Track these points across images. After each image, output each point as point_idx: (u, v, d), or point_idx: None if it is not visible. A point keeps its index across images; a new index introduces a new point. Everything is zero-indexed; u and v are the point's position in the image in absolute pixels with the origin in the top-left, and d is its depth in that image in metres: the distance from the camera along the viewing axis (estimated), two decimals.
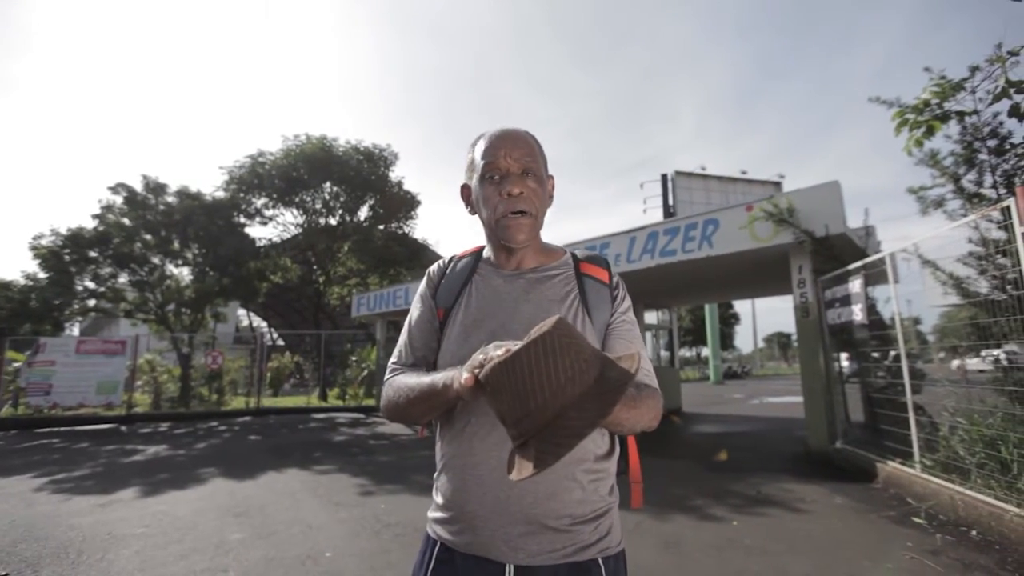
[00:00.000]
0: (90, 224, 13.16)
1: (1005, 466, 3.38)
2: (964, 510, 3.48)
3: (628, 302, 1.02)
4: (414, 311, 1.06)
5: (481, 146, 0.97)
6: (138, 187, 13.61)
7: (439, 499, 0.95)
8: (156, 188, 13.78)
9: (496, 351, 0.70)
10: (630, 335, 0.98)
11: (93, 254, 13.05)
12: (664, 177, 21.16)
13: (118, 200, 13.37)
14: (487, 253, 1.06)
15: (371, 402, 13.99)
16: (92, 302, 13.66)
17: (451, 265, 1.07)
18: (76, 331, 18.30)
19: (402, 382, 0.94)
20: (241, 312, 34.24)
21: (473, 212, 1.03)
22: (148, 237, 13.46)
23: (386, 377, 1.02)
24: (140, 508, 4.30)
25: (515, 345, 0.67)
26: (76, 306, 13.39)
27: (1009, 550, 3.00)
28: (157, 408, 12.31)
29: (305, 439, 8.39)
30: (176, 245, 14.00)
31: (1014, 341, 3.61)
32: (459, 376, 0.76)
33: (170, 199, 13.90)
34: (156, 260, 13.96)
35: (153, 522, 3.89)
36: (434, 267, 1.09)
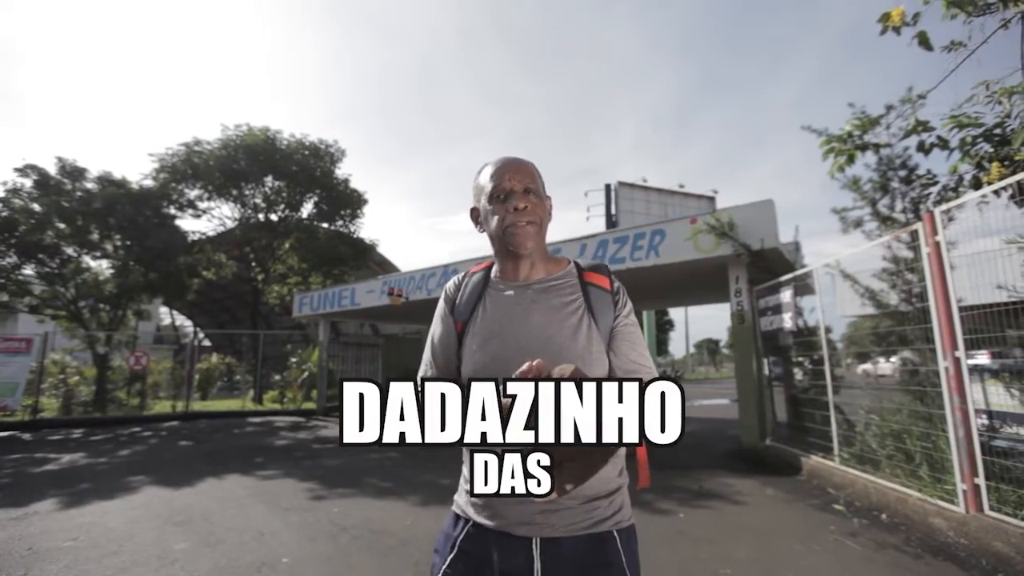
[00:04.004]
0: None
1: (909, 456, 3.84)
2: (876, 496, 3.93)
3: (630, 306, 1.13)
4: (436, 328, 1.16)
5: (488, 172, 1.08)
6: (52, 170, 12.35)
7: (468, 486, 1.04)
8: (73, 172, 12.53)
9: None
10: (632, 337, 1.09)
11: None
12: (608, 187, 21.92)
13: (27, 183, 12.03)
14: (496, 267, 1.15)
15: (311, 406, 13.45)
16: None
17: (466, 281, 1.17)
18: None
19: None
20: (163, 310, 31.81)
21: (483, 230, 1.12)
22: (62, 226, 12.21)
23: None
24: (63, 520, 3.94)
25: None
26: None
27: (913, 530, 3.42)
28: (68, 413, 11.20)
29: (243, 444, 7.97)
30: (95, 236, 12.80)
31: (912, 349, 4.12)
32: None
33: (89, 185, 12.70)
34: (71, 251, 12.71)
35: (81, 534, 3.59)
36: (450, 284, 1.19)
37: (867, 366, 5.60)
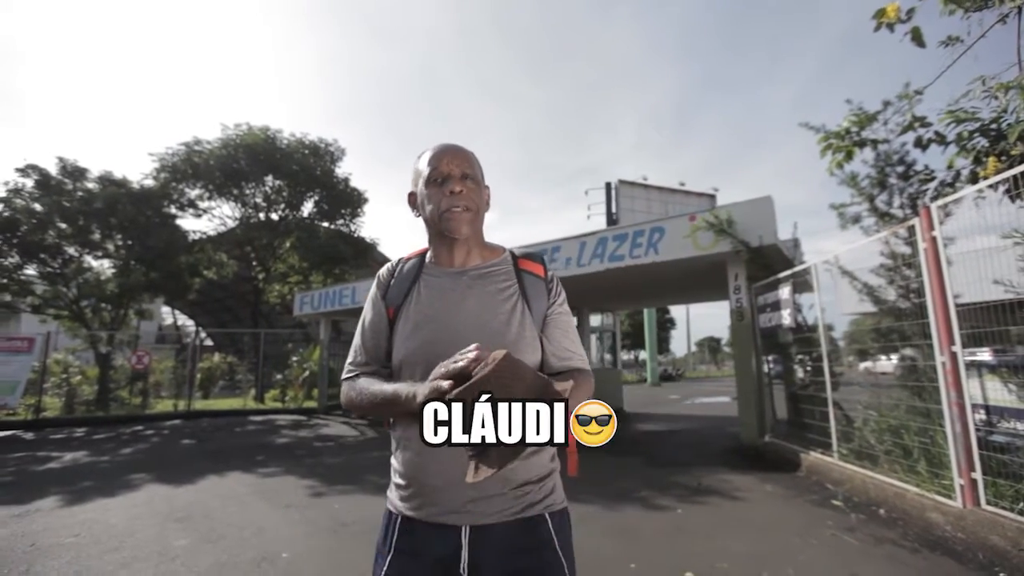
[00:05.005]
0: None
1: (907, 451, 3.85)
2: (874, 492, 3.93)
3: (563, 295, 1.14)
4: (366, 314, 1.14)
5: (426, 156, 1.08)
6: (53, 170, 12.39)
7: (398, 479, 1.04)
8: (74, 172, 12.56)
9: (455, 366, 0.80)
10: (565, 325, 1.11)
11: None
12: (608, 186, 21.89)
13: (28, 183, 12.07)
14: (431, 253, 1.14)
15: (312, 404, 13.49)
16: None
17: (399, 266, 1.16)
18: None
19: (364, 386, 1.02)
20: (165, 310, 31.90)
21: (419, 215, 1.12)
22: (63, 226, 12.25)
23: (344, 376, 1.11)
24: (65, 517, 3.97)
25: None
26: None
27: (910, 524, 3.43)
28: (70, 412, 11.25)
29: (245, 442, 8.00)
30: (96, 235, 12.84)
31: (909, 344, 4.12)
32: (422, 391, 0.82)
33: (90, 185, 12.73)
34: (72, 251, 12.75)
35: (83, 531, 3.62)
36: (384, 270, 1.18)
37: (868, 364, 5.59)
